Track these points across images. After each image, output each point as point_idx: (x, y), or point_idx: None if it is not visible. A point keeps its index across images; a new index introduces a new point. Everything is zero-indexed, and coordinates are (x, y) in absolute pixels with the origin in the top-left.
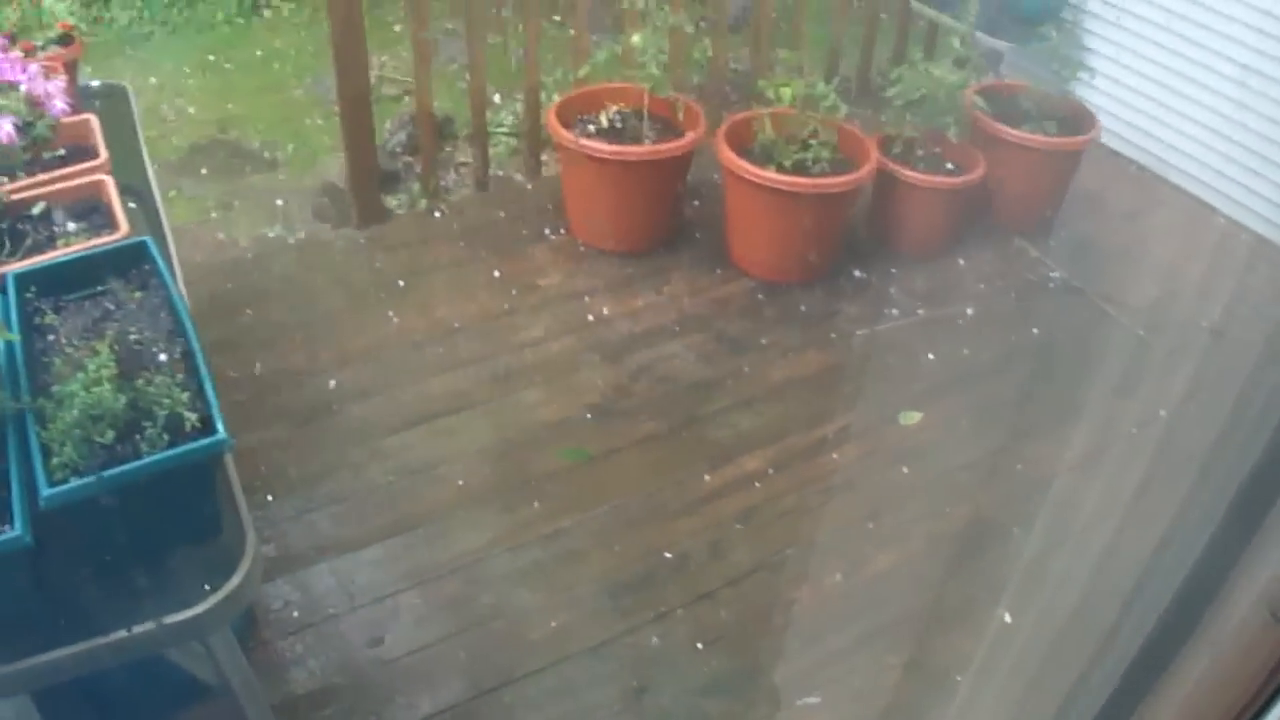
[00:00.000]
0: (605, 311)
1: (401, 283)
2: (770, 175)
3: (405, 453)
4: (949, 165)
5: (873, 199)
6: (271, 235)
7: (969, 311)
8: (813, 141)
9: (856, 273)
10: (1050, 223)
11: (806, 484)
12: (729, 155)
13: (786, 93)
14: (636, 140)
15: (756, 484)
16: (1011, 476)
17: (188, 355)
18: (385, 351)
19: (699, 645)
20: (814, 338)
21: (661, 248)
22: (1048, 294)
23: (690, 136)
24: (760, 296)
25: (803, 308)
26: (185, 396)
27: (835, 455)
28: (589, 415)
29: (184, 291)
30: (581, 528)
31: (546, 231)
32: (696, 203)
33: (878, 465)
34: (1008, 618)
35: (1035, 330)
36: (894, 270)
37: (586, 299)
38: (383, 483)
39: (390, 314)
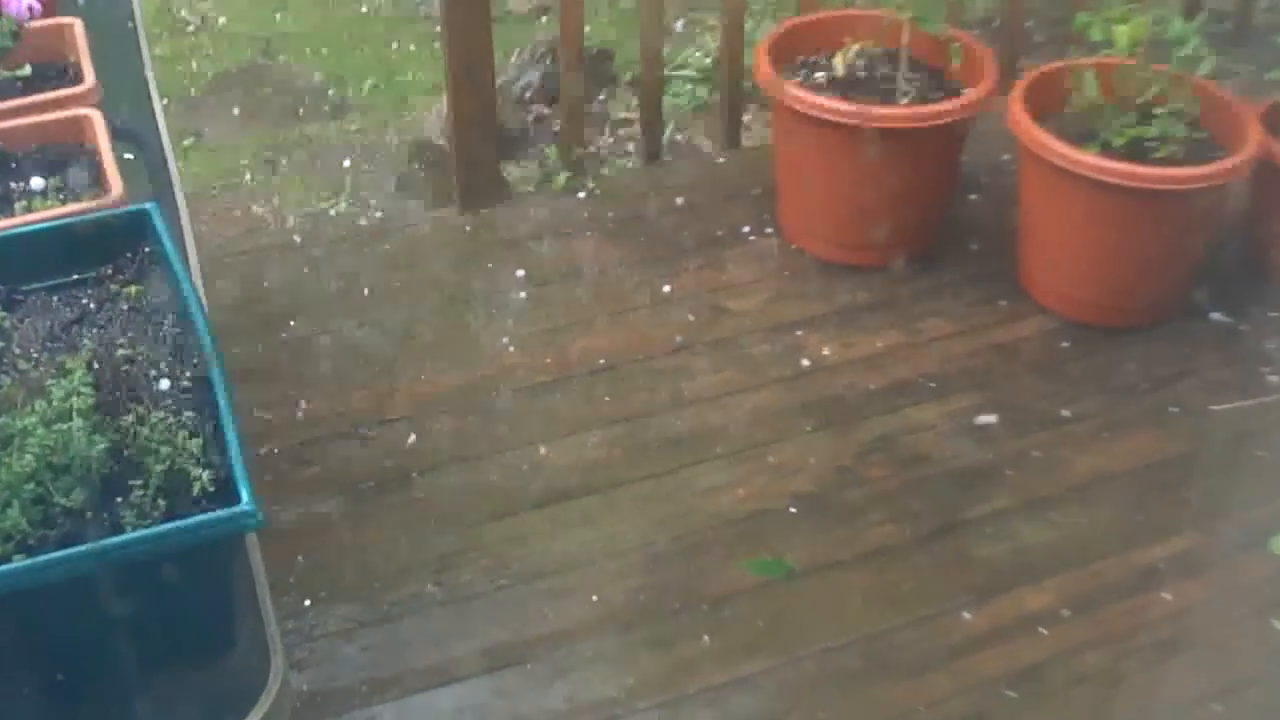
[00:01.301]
0: (826, 354)
1: (522, 294)
2: (1091, 160)
3: (515, 549)
4: None
5: (1250, 202)
6: (333, 213)
7: None
8: (1159, 109)
9: (1216, 315)
10: None
11: (1121, 636)
12: (1028, 126)
13: (1123, 33)
14: (889, 97)
15: (1042, 630)
16: None
17: (201, 384)
18: (493, 395)
19: None
20: (1144, 411)
21: (918, 262)
22: None
23: (970, 95)
24: (1065, 344)
25: (1130, 365)
26: (195, 445)
27: (1168, 595)
28: (794, 509)
29: (201, 288)
30: (773, 679)
31: (745, 229)
32: (973, 196)
33: (1235, 614)
34: None
35: None
36: (1277, 315)
37: (799, 333)
38: (479, 591)
39: (504, 341)
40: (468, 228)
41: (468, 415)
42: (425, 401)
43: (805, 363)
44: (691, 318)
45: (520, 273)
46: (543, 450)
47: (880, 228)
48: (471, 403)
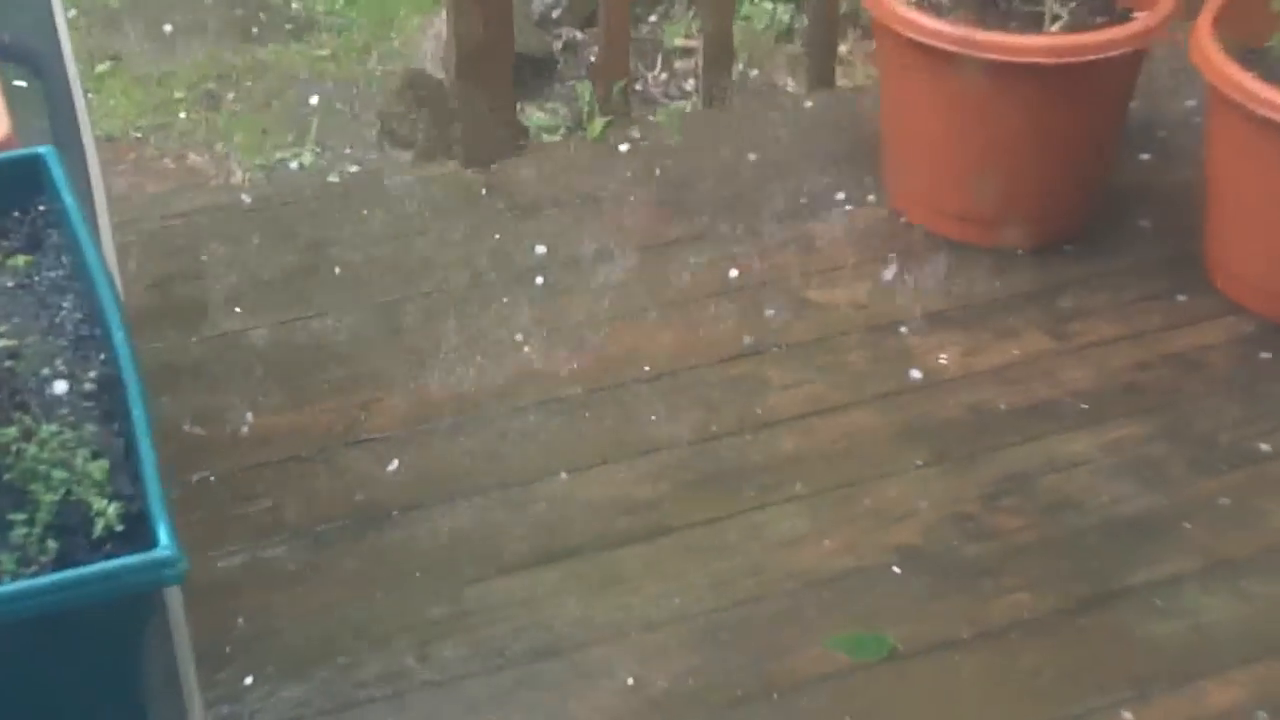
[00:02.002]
0: (943, 363)
1: (543, 278)
2: None
3: (523, 615)
4: None
5: None
6: (295, 165)
7: None
8: None
9: None
10: None
11: None
12: (1220, 63)
13: None
14: (1034, 24)
15: None
16: None
17: (110, 388)
18: (502, 410)
19: None
20: None
21: (1069, 243)
22: None
23: (1142, 21)
24: (1265, 355)
25: None
26: (99, 469)
27: None
28: (897, 568)
29: (113, 261)
30: None
31: (839, 196)
32: (1145, 156)
33: None
34: None
35: None
36: None
37: (908, 335)
38: (474, 670)
39: (518, 339)
40: (473, 189)
41: (468, 436)
42: (412, 417)
43: (915, 374)
44: (768, 312)
45: (541, 249)
46: (566, 484)
47: (1020, 197)
48: (473, 419)
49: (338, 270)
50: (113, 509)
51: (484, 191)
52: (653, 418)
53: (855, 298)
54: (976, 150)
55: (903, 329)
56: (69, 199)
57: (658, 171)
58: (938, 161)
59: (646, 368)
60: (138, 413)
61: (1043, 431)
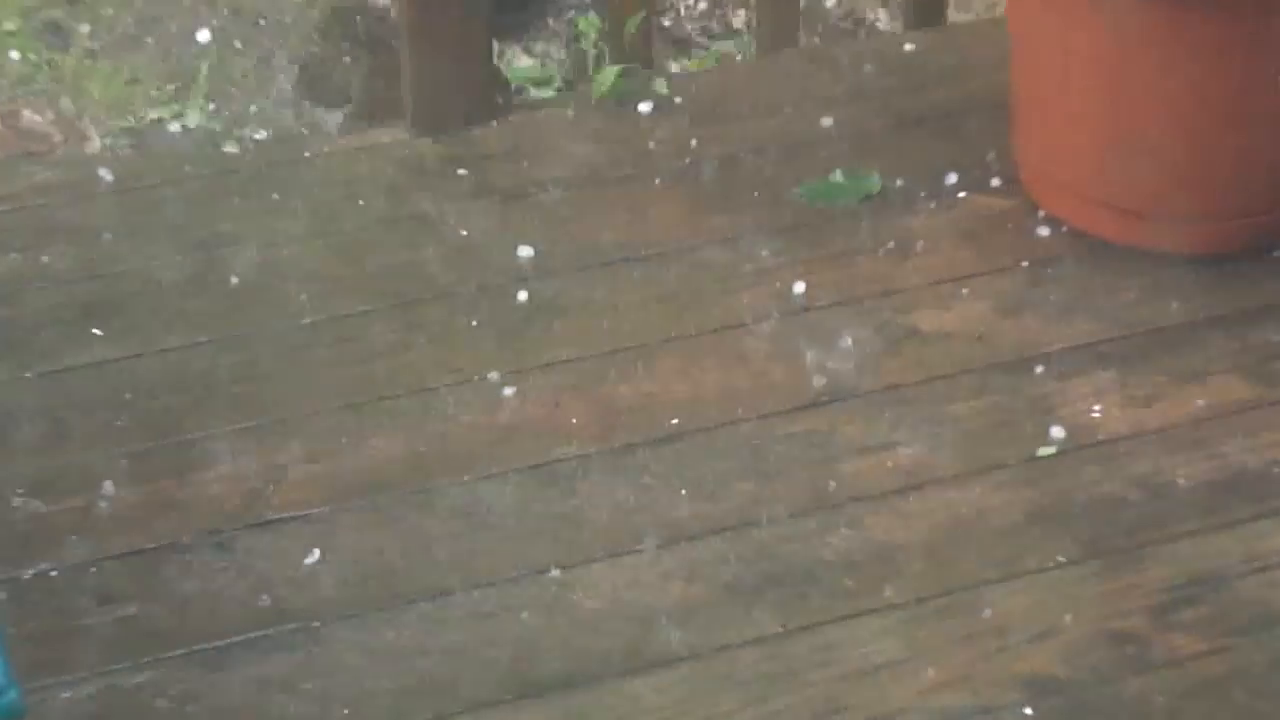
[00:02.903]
0: (1096, 417)
1: (522, 295)
2: None
3: None
4: None
5: None
6: (177, 128)
7: None
8: None
9: None
10: None
11: None
12: None
13: None
14: None
15: None
16: None
17: None
18: (463, 481)
19: None
20: None
21: (1275, 247)
22: None
23: None
24: None
25: None
26: None
27: None
28: (1029, 708)
29: None
30: None
31: (950, 178)
32: None
33: None
34: None
35: None
36: None
37: (1042, 373)
38: None
39: (492, 377)
40: (430, 166)
41: (419, 515)
42: (340, 488)
43: (1057, 433)
44: (846, 344)
45: (526, 251)
46: (557, 585)
47: (1207, 182)
48: (427, 492)
49: (235, 280)
50: None
51: (445, 169)
52: (682, 492)
53: (971, 323)
54: (1149, 114)
55: (1039, 369)
56: None
57: (693, 143)
58: (1094, 130)
59: (673, 421)
60: None
61: (1238, 516)
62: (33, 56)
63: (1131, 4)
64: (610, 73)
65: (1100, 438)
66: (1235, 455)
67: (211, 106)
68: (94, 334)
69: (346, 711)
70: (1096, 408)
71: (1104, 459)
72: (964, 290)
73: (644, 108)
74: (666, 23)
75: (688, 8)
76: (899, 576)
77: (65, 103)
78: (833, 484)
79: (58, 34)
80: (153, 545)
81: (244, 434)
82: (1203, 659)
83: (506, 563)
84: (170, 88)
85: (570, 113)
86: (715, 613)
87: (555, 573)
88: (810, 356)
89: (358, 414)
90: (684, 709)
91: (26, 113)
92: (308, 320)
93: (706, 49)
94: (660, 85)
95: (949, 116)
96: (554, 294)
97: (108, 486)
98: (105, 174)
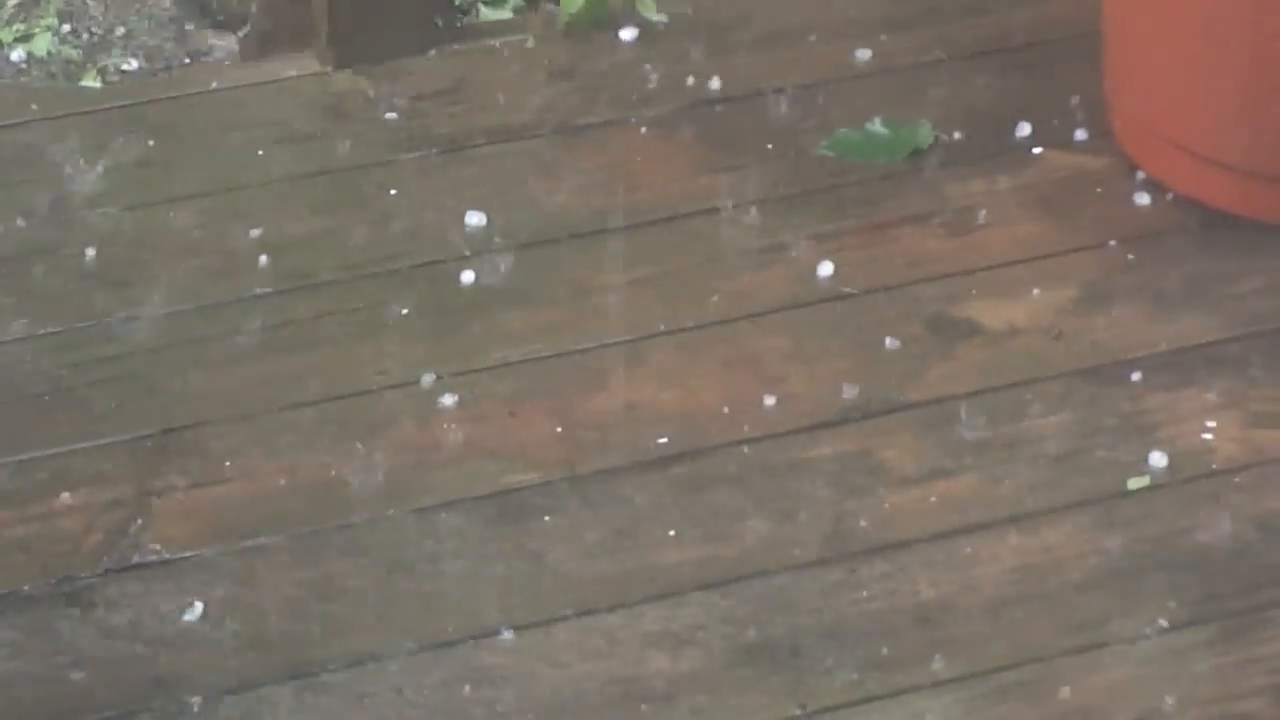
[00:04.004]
0: (1208, 438)
1: (467, 275)
2: None
3: None
4: None
5: None
6: (21, 56)
7: None
8: None
9: None
10: None
11: None
12: None
13: None
14: None
15: None
16: None
17: None
18: (394, 514)
19: None
20: None
21: None
22: None
23: None
24: None
25: None
26: None
27: None
28: None
29: None
30: None
31: (1022, 130)
32: None
33: None
34: None
35: None
36: None
37: (1139, 381)
38: None
39: (426, 380)
40: (351, 109)
41: (336, 559)
42: (229, 522)
43: (1157, 460)
44: (888, 343)
45: (476, 219)
46: (513, 649)
47: None
48: (348, 529)
49: (92, 254)
50: None
51: (370, 112)
52: (671, 533)
53: (1046, 318)
54: None
55: (1135, 377)
56: None
57: (688, 80)
58: (1221, 71)
59: (661, 440)
60: None
61: None
62: None
63: None
64: None
65: (1213, 467)
66: None
67: (66, 28)
68: None
69: None
70: (1209, 428)
71: (1217, 494)
72: (1039, 275)
73: (626, 34)
74: None
75: None
76: (951, 644)
77: None
78: (864, 523)
79: None
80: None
81: (104, 451)
82: None
83: (444, 622)
84: (11, 3)
85: (531, 40)
86: (713, 690)
87: (507, 635)
88: (839, 359)
89: (252, 427)
90: None
91: None
92: (189, 305)
93: None
94: (647, 4)
95: (1022, 49)
96: (508, 274)
97: None
98: None
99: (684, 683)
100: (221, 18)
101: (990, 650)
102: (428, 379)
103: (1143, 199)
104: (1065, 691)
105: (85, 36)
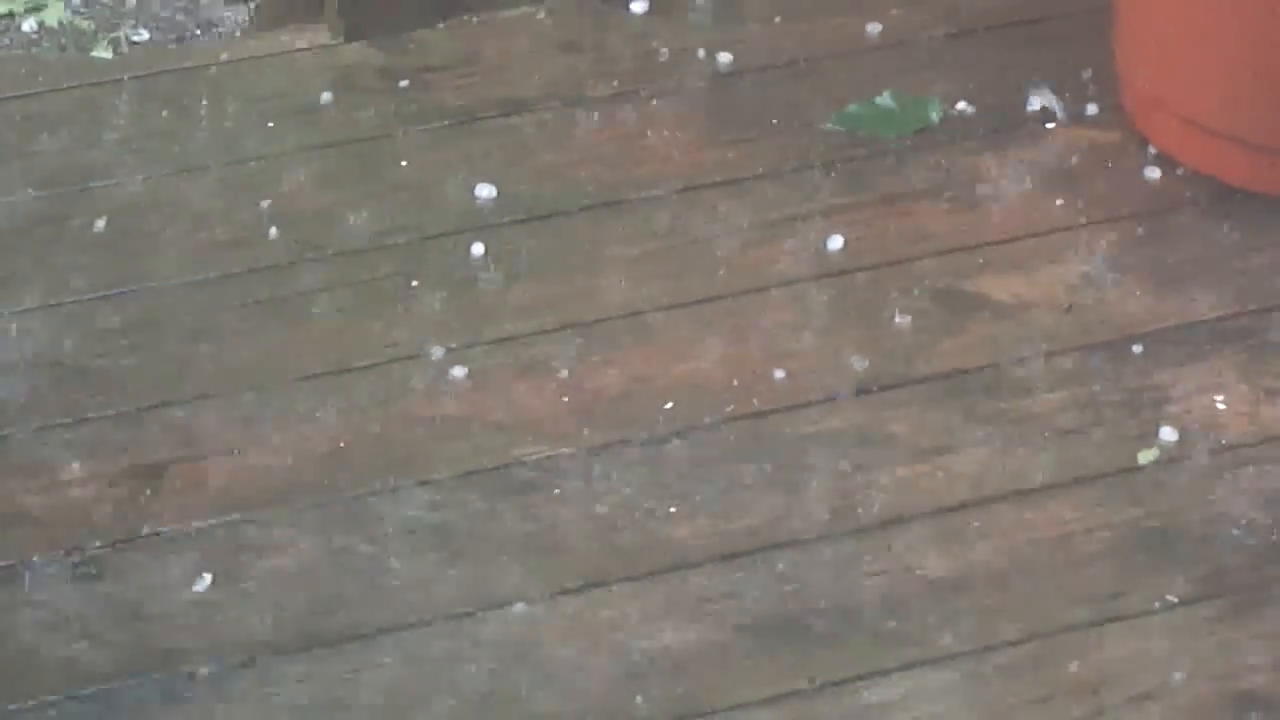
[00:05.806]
0: (1221, 421)
1: (477, 248)
2: None
3: None
4: None
5: None
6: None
7: None
8: None
9: None
10: None
11: None
12: None
13: None
14: None
15: None
16: None
17: None
18: (400, 489)
19: None
20: None
21: None
22: None
23: None
24: None
25: None
26: None
27: None
28: None
29: None
30: None
31: (1032, 102)
32: None
33: None
34: None
35: None
36: None
37: (1144, 355)
38: None
39: (435, 354)
40: (362, 81)
41: (342, 533)
42: (239, 494)
43: (1167, 434)
44: (896, 318)
45: (486, 191)
46: (522, 623)
47: None
48: (353, 504)
49: (102, 225)
50: None
51: (381, 83)
52: (680, 507)
53: (1057, 292)
54: None
55: (1144, 349)
56: None
57: (699, 52)
58: (1232, 43)
59: (668, 406)
60: None
61: None
62: None
63: None
64: None
65: (1222, 441)
66: None
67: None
68: None
69: None
70: (1219, 402)
71: (1226, 469)
72: (1048, 250)
73: (637, 7)
74: None
75: None
76: (960, 618)
77: None
78: (874, 498)
79: None
80: None
81: (112, 422)
82: None
83: (453, 596)
84: None
85: (541, 13)
86: (721, 663)
87: (517, 608)
88: (848, 332)
89: (262, 398)
90: None
91: None
92: (198, 277)
93: None
94: None
95: (1032, 24)
96: (518, 246)
97: None
98: None
99: (693, 655)
100: None
101: (999, 624)
102: (437, 351)
103: (1153, 173)
104: (1074, 665)
105: (97, 7)
